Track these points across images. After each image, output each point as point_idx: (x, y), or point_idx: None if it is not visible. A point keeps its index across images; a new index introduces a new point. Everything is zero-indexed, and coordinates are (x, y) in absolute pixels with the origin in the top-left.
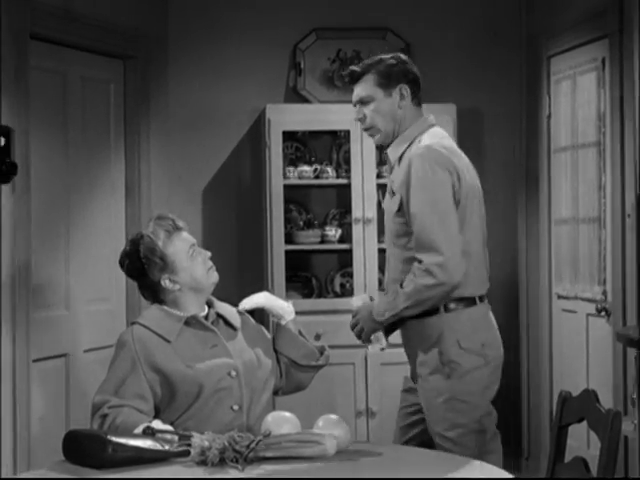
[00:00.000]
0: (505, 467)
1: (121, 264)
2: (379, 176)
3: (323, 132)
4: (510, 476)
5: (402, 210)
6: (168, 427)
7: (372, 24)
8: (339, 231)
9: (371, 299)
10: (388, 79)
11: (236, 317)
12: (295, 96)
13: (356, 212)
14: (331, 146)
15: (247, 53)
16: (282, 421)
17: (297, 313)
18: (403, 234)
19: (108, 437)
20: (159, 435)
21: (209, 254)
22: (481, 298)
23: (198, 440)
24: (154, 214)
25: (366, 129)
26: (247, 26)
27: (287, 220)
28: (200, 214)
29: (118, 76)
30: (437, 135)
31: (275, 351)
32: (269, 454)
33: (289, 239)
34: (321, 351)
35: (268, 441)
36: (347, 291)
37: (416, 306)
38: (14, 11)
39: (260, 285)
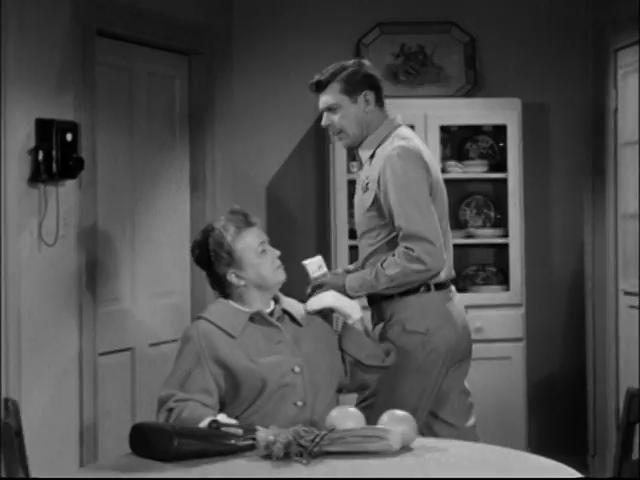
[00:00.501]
0: (571, 464)
1: (192, 253)
2: (443, 171)
3: None
4: (580, 475)
5: (375, 205)
6: (233, 421)
7: (437, 18)
8: None
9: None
10: (352, 86)
11: (302, 314)
12: None
13: None
14: None
15: (311, 48)
16: (346, 416)
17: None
18: (373, 227)
19: (174, 430)
20: (224, 429)
21: (278, 253)
22: (438, 286)
23: (263, 434)
24: (229, 207)
25: (335, 134)
26: (311, 21)
27: (350, 215)
28: (264, 209)
29: (183, 72)
30: (407, 135)
31: (341, 349)
32: (333, 449)
33: (353, 234)
34: (387, 352)
35: (333, 436)
36: None
37: (395, 288)
38: (82, 8)
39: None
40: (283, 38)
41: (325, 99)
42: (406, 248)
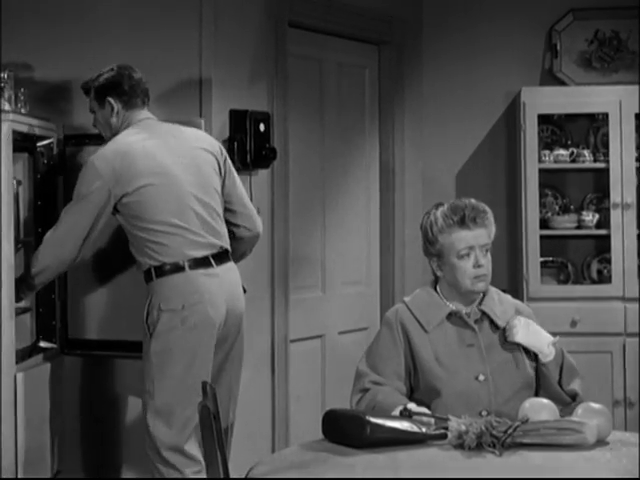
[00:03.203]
0: None
1: None
2: (639, 159)
3: (579, 115)
4: None
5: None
6: (425, 410)
7: (632, 2)
8: (596, 216)
9: None
10: (100, 94)
11: (503, 316)
12: (551, 79)
13: (614, 197)
14: (588, 129)
15: (502, 36)
16: (540, 408)
17: (552, 299)
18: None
19: (367, 418)
20: (416, 417)
21: (483, 263)
22: (192, 265)
23: (455, 424)
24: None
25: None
26: (502, 9)
27: (542, 205)
28: (453, 198)
29: (373, 62)
30: (123, 138)
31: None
32: (527, 440)
33: (544, 224)
34: (573, 397)
35: (526, 427)
36: (605, 278)
37: None
38: (274, 1)
39: (514, 270)
40: (473, 26)
41: (89, 103)
42: None
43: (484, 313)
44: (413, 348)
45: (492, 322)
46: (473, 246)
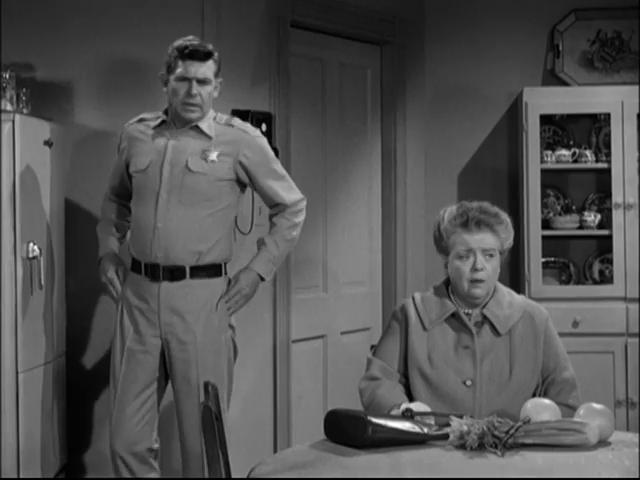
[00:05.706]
0: None
1: None
2: None
3: (581, 115)
4: None
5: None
6: (427, 408)
7: (634, 3)
8: (598, 216)
9: None
10: (218, 70)
11: (504, 322)
12: (553, 79)
13: (617, 197)
14: (590, 129)
15: (504, 36)
16: (542, 408)
17: (554, 299)
18: (221, 195)
19: (368, 418)
20: (418, 418)
21: (480, 267)
22: None
23: (457, 424)
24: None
25: (192, 105)
26: (504, 9)
27: (544, 205)
28: (456, 198)
29: (375, 62)
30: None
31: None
32: (528, 441)
33: (546, 224)
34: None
35: (528, 428)
36: (606, 278)
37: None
38: (276, 1)
39: (516, 271)
40: (475, 26)
41: (204, 70)
42: (284, 206)
43: (486, 317)
44: (409, 344)
45: (493, 326)
46: (472, 249)
